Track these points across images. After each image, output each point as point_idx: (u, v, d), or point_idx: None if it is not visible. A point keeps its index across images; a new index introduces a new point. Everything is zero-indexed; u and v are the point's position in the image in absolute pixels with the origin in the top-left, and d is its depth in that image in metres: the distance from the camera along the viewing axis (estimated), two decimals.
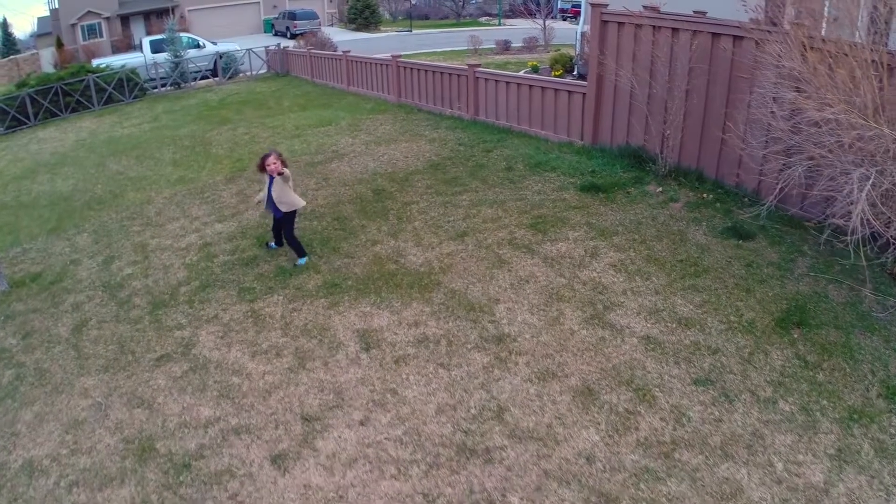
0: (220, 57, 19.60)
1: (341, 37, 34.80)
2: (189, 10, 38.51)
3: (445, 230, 6.24)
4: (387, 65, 13.21)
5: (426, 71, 11.90)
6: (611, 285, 5.11)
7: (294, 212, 5.70)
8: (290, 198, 5.59)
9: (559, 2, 57.13)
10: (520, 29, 38.94)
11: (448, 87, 11.34)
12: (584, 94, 8.60)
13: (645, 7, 9.92)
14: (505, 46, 22.68)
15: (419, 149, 9.27)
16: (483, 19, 46.24)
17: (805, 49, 5.09)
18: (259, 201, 6.09)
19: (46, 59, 38.06)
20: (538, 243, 5.85)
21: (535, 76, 9.99)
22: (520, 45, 23.41)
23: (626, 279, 5.18)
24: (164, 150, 11.34)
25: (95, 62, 20.66)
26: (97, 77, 17.41)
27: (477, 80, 10.58)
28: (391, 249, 5.92)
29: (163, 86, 18.94)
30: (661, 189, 6.97)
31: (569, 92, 8.87)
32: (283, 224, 5.74)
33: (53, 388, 4.58)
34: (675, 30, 7.17)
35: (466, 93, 10.86)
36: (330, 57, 16.33)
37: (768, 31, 5.95)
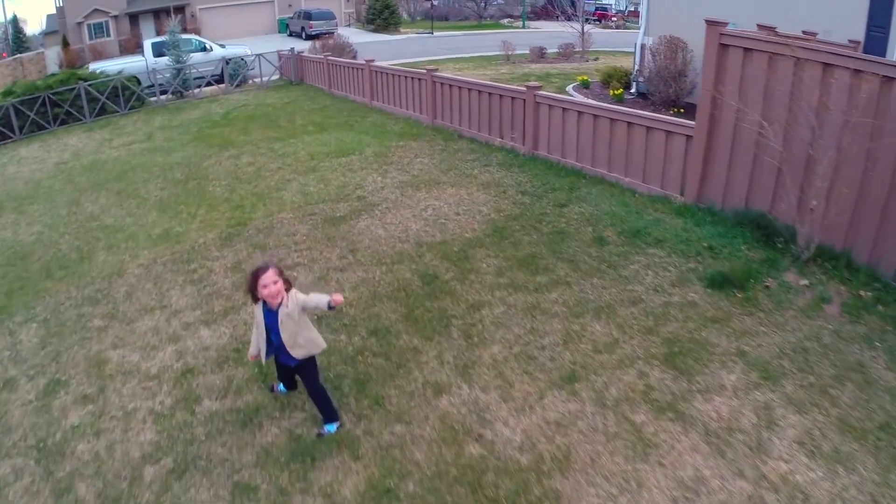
0: (228, 62, 17.46)
1: (359, 38, 32.66)
2: (200, 9, 36.51)
3: (541, 365, 4.13)
4: (420, 79, 11.09)
5: (471, 90, 9.78)
6: (810, 488, 3.09)
7: (314, 357, 3.65)
8: (308, 335, 3.51)
9: (583, 4, 54.80)
10: (546, 32, 36.65)
11: (499, 112, 9.22)
12: (690, 136, 6.50)
13: (759, 26, 7.79)
14: (540, 54, 20.48)
15: (472, 199, 7.18)
16: (505, 21, 43.97)
17: None
18: (254, 355, 3.81)
19: (51, 59, 36.15)
20: (685, 398, 3.76)
21: (619, 108, 7.87)
22: (555, 51, 21.23)
23: (826, 473, 3.19)
24: (151, 184, 9.27)
25: (92, 66, 18.64)
26: (89, 85, 15.39)
27: (538, 105, 8.46)
28: (466, 405, 3.81)
29: (163, 93, 16.86)
30: (806, 282, 4.95)
31: (667, 132, 6.77)
32: (303, 374, 3.66)
33: None
34: (827, 65, 5.12)
35: (523, 121, 8.74)
36: (350, 66, 14.21)
37: None
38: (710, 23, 6.15)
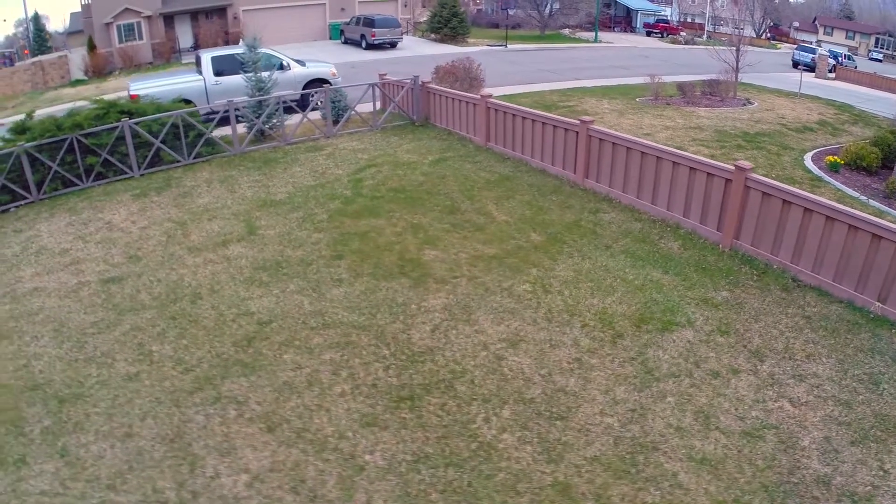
0: (320, 86, 11.97)
1: (422, 49, 27.43)
2: (244, 11, 31.13)
3: None
4: (712, 175, 5.86)
5: (861, 232, 4.61)
6: None
7: None
8: None
9: (640, 15, 49.22)
10: (619, 48, 31.41)
11: None
12: None
13: None
14: (692, 91, 15.15)
15: None
16: (566, 32, 38.58)
17: None
18: None
19: (76, 63, 30.70)
20: None
21: None
22: (692, 77, 16.04)
23: None
24: (336, 435, 4.10)
25: (132, 87, 13.05)
26: (137, 124, 10.15)
27: None
28: None
29: (226, 121, 11.31)
30: None
31: None
32: None
33: None
34: None
35: None
36: (547, 122, 8.65)
37: None
38: None
